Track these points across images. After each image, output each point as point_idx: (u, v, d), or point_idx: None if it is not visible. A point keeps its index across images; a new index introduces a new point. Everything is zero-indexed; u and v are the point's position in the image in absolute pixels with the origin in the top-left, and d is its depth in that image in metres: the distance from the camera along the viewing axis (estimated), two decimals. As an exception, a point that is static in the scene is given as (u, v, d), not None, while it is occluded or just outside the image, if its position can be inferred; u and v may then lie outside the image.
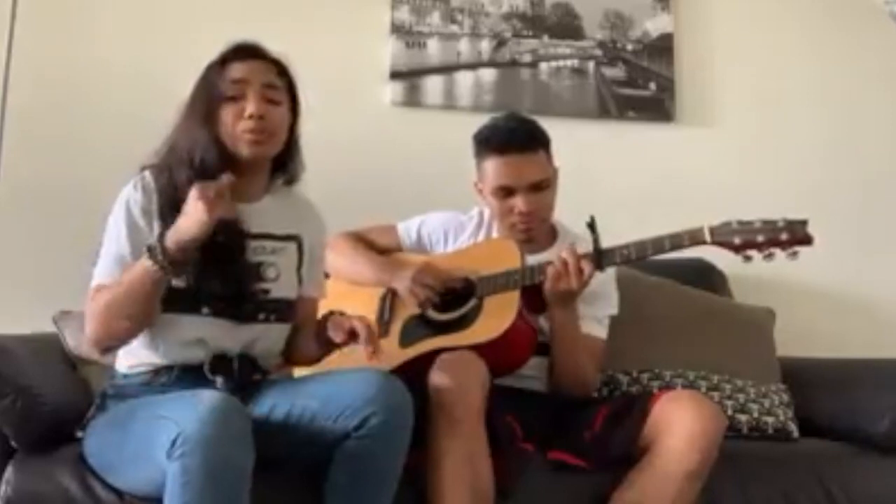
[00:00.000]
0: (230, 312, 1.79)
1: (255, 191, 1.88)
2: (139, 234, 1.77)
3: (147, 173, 1.82)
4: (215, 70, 1.83)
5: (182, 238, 1.66)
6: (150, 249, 1.67)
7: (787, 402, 2.31)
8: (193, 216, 1.64)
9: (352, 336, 1.80)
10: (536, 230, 2.15)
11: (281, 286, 1.86)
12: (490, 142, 2.14)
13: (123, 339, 1.77)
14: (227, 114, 1.79)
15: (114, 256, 1.77)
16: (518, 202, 2.10)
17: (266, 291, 1.83)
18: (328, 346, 1.88)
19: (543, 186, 2.11)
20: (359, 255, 2.24)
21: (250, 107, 1.79)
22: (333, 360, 1.98)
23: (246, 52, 1.85)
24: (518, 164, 2.10)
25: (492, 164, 2.13)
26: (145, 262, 1.67)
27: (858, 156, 3.05)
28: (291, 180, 1.94)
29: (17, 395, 1.82)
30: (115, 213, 1.81)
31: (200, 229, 1.65)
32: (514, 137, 2.12)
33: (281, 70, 1.86)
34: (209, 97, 1.81)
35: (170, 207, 1.75)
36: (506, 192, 2.12)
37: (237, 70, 1.82)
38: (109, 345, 1.80)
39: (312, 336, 1.90)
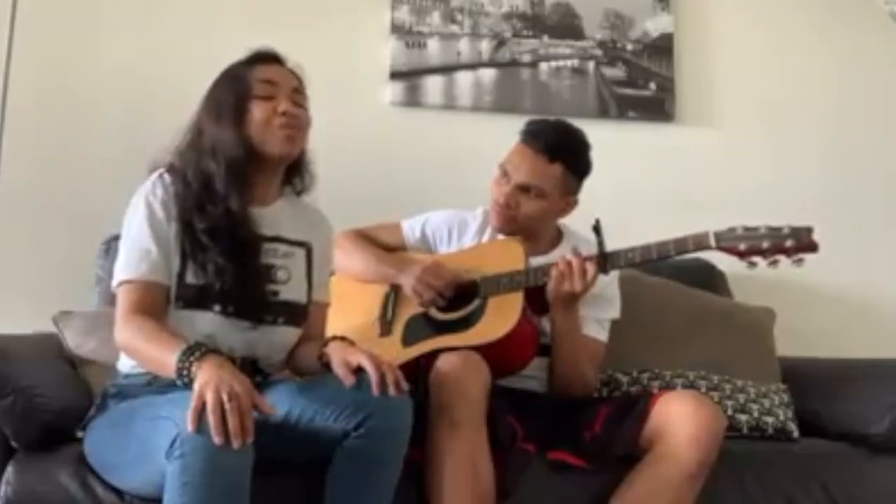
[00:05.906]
0: (240, 312, 1.78)
1: (270, 194, 1.89)
2: (161, 226, 1.76)
3: (166, 175, 1.81)
4: (243, 70, 1.84)
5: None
6: (179, 365, 1.60)
7: (787, 402, 2.31)
8: (202, 401, 1.52)
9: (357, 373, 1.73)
10: (506, 227, 2.14)
11: (291, 289, 1.86)
12: (526, 128, 2.17)
13: None
14: (259, 112, 1.80)
15: (138, 251, 1.76)
16: (504, 189, 2.11)
17: (275, 293, 1.83)
18: (329, 369, 1.81)
19: (532, 193, 2.11)
20: (363, 251, 2.24)
21: (283, 105, 1.80)
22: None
23: (272, 57, 1.87)
24: (525, 157, 2.11)
25: (513, 146, 2.15)
26: (171, 361, 1.61)
27: (858, 155, 3.05)
28: (303, 191, 1.95)
29: (17, 395, 1.82)
30: (133, 210, 1.80)
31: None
32: (543, 136, 2.13)
33: (300, 81, 1.88)
34: (240, 95, 1.81)
35: (188, 211, 1.76)
36: (503, 173, 2.13)
37: (266, 72, 1.84)
38: None
39: (315, 352, 1.83)
